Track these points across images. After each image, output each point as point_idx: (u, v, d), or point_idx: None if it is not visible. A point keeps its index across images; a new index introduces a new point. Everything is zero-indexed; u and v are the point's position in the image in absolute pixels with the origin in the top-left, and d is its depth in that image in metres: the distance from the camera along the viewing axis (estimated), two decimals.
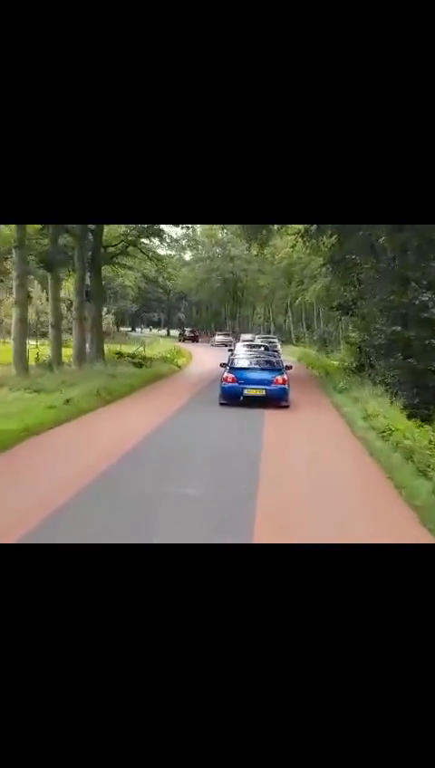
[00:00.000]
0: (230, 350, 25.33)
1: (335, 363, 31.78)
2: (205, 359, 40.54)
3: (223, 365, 20.29)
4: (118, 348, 37.20)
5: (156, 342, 56.08)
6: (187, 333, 70.39)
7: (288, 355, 39.74)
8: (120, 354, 32.69)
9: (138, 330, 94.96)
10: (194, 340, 66.58)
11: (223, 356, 24.51)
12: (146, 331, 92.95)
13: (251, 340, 44.26)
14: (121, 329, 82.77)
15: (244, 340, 44.57)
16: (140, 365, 28.87)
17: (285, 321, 70.74)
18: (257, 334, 57.41)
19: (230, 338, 58.42)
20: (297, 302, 61.45)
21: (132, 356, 32.34)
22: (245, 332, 61.59)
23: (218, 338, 59.75)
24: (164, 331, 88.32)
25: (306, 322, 63.57)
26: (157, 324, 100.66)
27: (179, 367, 33.53)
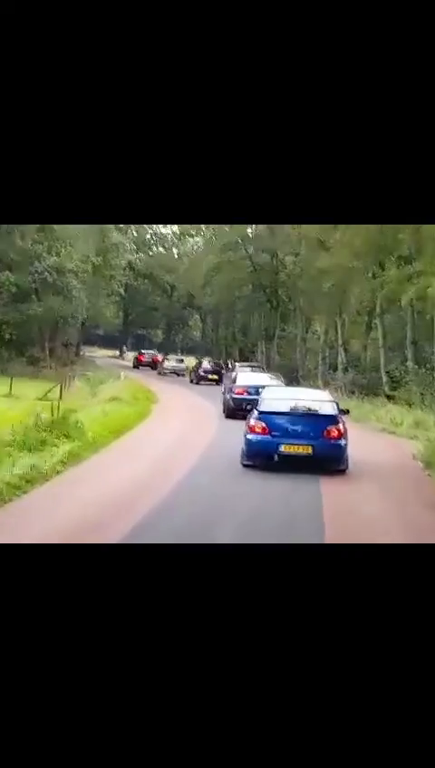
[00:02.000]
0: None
1: None
2: (184, 421, 20.89)
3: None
4: None
5: (111, 379, 33.85)
6: (144, 358, 54.79)
7: (370, 444, 17.04)
8: None
9: (127, 353, 63.52)
10: (154, 366, 51.31)
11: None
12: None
13: (212, 372, 36.36)
14: (91, 353, 64.77)
15: (205, 371, 37.98)
16: None
17: (365, 347, 36.04)
18: (250, 366, 32.57)
19: (183, 365, 47.34)
20: (406, 301, 26.42)
21: None
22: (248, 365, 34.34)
23: (169, 364, 48.16)
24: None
25: (415, 349, 28.76)
26: (166, 347, 68.33)
27: None
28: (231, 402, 21.66)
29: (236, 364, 33.46)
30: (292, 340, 43.96)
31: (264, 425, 12.79)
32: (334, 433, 12.71)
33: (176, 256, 64.39)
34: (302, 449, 12.58)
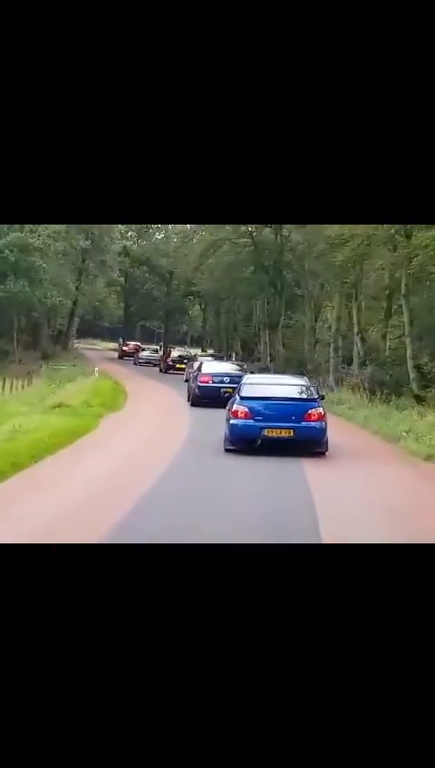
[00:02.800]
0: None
1: None
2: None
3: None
4: None
5: (81, 375, 28.97)
6: (128, 349, 56.03)
7: None
8: None
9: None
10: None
11: None
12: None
13: (180, 362, 38.17)
14: (92, 345, 67.98)
15: (173, 360, 40.42)
16: None
17: (384, 336, 30.06)
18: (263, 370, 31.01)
19: (157, 355, 48.66)
20: None
21: None
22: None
23: (144, 354, 49.75)
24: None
25: None
26: (169, 339, 63.27)
27: None
28: (197, 390, 21.95)
29: (198, 353, 36.85)
30: (299, 330, 38.01)
31: (247, 410, 13.04)
32: (314, 416, 13.05)
33: (175, 240, 58.59)
34: (284, 433, 12.92)
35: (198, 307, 64.95)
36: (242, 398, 13.41)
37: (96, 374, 29.98)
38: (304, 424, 12.97)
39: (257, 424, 12.94)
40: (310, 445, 12.99)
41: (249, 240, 37.96)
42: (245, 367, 25.70)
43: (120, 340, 68.33)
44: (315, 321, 37.12)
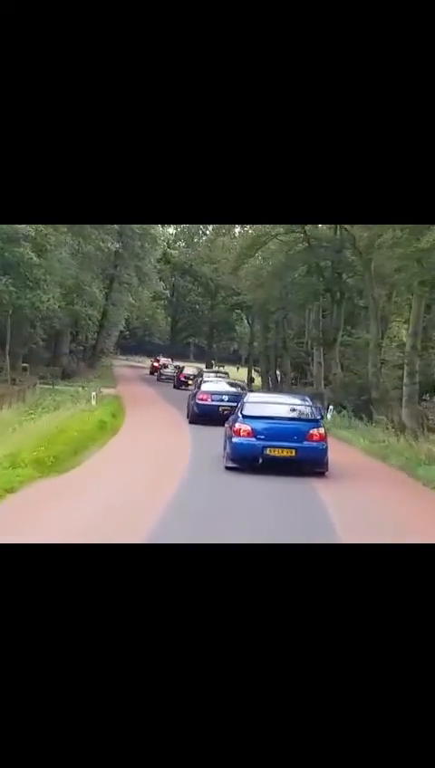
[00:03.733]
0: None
1: None
2: None
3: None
4: None
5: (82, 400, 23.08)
6: (159, 362, 57.20)
7: None
8: None
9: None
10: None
11: None
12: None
13: (191, 378, 37.83)
14: (139, 363, 69.18)
15: (185, 377, 41.36)
16: None
17: None
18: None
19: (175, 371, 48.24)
20: None
21: None
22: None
23: (166, 371, 51.72)
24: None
25: None
26: (219, 357, 57.58)
27: None
28: (195, 408, 21.98)
29: (204, 371, 36.98)
30: (361, 348, 30.38)
31: (249, 428, 13.00)
32: (316, 436, 13.08)
33: (208, 234, 51.86)
34: (286, 452, 12.91)
35: (246, 323, 57.80)
36: (245, 416, 13.42)
37: (93, 400, 22.85)
38: (305, 444, 13.06)
39: (260, 443, 12.95)
40: (311, 464, 13.07)
41: (301, 235, 30.51)
42: (244, 387, 26.19)
43: (160, 356, 62.49)
44: (382, 337, 29.51)
